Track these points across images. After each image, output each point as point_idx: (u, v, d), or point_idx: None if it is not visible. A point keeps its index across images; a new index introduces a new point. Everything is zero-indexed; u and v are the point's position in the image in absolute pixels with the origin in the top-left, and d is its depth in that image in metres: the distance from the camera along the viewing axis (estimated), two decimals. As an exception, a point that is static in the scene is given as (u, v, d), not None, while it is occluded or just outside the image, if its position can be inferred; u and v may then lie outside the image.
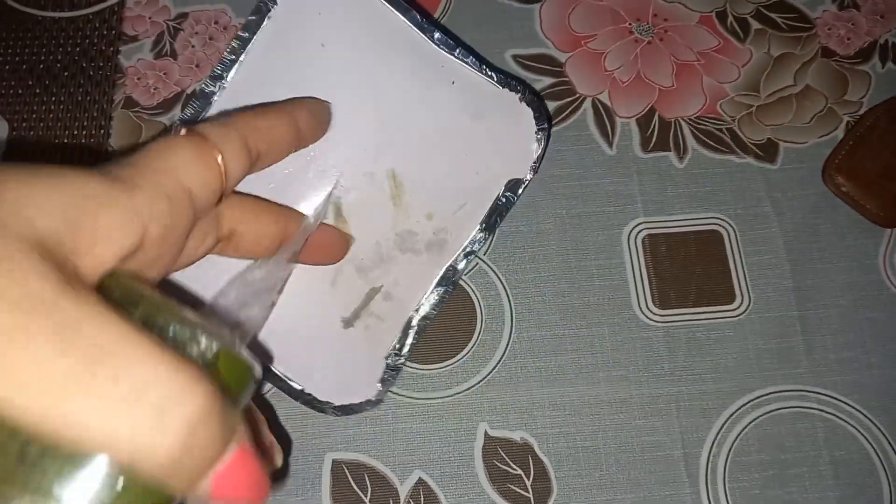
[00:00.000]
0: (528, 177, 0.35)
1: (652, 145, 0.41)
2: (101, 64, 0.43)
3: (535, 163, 0.35)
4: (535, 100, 0.34)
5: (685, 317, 0.38)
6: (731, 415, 0.37)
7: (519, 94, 0.34)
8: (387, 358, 0.35)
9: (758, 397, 0.37)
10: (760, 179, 0.41)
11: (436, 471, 0.36)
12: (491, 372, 0.37)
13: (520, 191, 0.35)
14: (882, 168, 0.40)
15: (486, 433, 0.36)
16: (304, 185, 0.35)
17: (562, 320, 0.38)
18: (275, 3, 0.32)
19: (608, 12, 0.44)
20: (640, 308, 0.39)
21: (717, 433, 0.37)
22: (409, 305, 0.35)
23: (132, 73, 0.43)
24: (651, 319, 0.38)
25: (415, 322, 0.35)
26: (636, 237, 0.40)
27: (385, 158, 0.36)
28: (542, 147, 0.35)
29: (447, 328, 0.38)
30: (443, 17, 0.44)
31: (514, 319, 0.39)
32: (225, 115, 0.31)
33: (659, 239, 0.40)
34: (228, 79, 0.33)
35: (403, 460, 0.36)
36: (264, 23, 0.33)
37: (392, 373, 0.35)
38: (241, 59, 0.33)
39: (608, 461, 0.36)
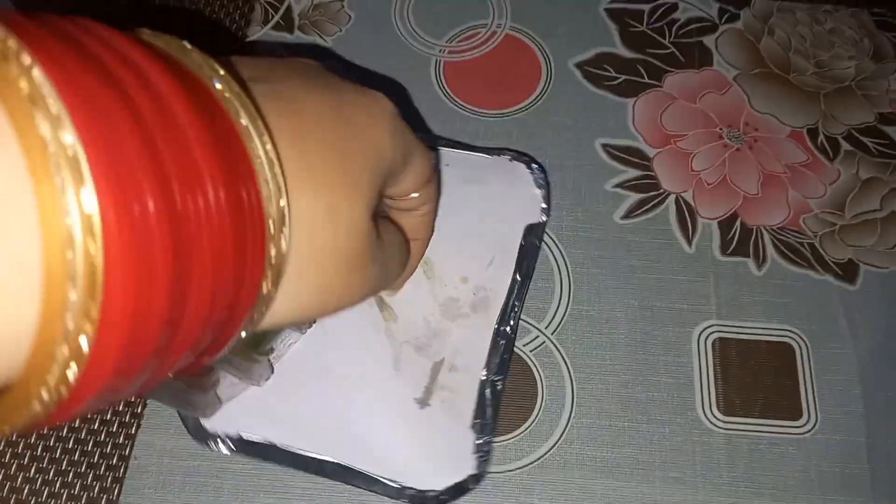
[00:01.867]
0: (542, 219, 0.40)
1: (732, 249, 0.42)
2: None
3: (543, 205, 0.40)
4: (524, 156, 0.40)
5: (749, 426, 0.38)
6: (787, 536, 0.36)
7: (508, 156, 0.41)
8: (473, 428, 0.35)
9: (816, 521, 0.36)
10: (838, 298, 0.41)
11: (480, 546, 0.36)
12: (546, 454, 0.37)
13: (541, 234, 0.40)
14: (965, 305, 0.40)
15: (535, 516, 0.36)
16: None
17: (623, 412, 0.38)
18: None
19: (701, 115, 0.45)
20: (704, 411, 0.38)
21: (771, 553, 0.36)
22: (476, 370, 0.36)
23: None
24: (714, 424, 0.38)
25: (487, 385, 0.36)
26: (707, 339, 0.40)
27: None
28: (543, 191, 0.40)
29: (508, 402, 0.38)
30: (538, 101, 0.46)
31: (574, 404, 0.39)
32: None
33: (730, 343, 0.40)
34: None
35: (449, 531, 0.36)
36: None
37: (484, 441, 0.35)
38: None
39: (656, 565, 0.35)
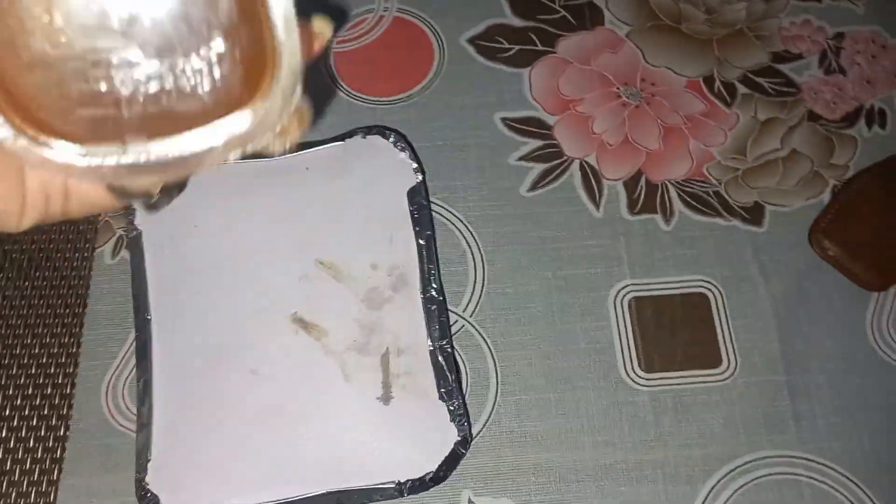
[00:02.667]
0: (418, 178, 0.40)
1: (639, 207, 0.42)
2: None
3: (413, 165, 0.40)
4: (374, 128, 0.40)
5: (671, 381, 0.38)
6: (718, 481, 0.37)
7: (361, 134, 0.40)
8: (442, 398, 0.36)
9: (745, 463, 0.37)
10: (747, 242, 0.41)
11: (418, 537, 0.36)
12: (475, 437, 0.37)
13: (423, 193, 0.39)
14: (868, 232, 0.40)
15: (469, 500, 0.36)
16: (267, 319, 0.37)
17: (547, 384, 0.38)
18: (136, 229, 0.39)
19: (597, 76, 0.45)
20: (627, 371, 0.39)
21: (704, 501, 0.36)
22: (421, 344, 0.37)
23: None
24: (637, 383, 0.38)
25: (438, 353, 0.36)
26: (622, 300, 0.40)
27: (304, 257, 0.38)
28: (407, 152, 0.40)
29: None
30: (434, 82, 0.45)
31: (499, 382, 0.39)
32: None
33: (645, 301, 0.40)
34: (151, 311, 0.37)
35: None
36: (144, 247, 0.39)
37: (457, 406, 0.36)
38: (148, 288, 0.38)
39: (592, 529, 0.36)
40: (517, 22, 0.46)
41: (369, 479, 0.34)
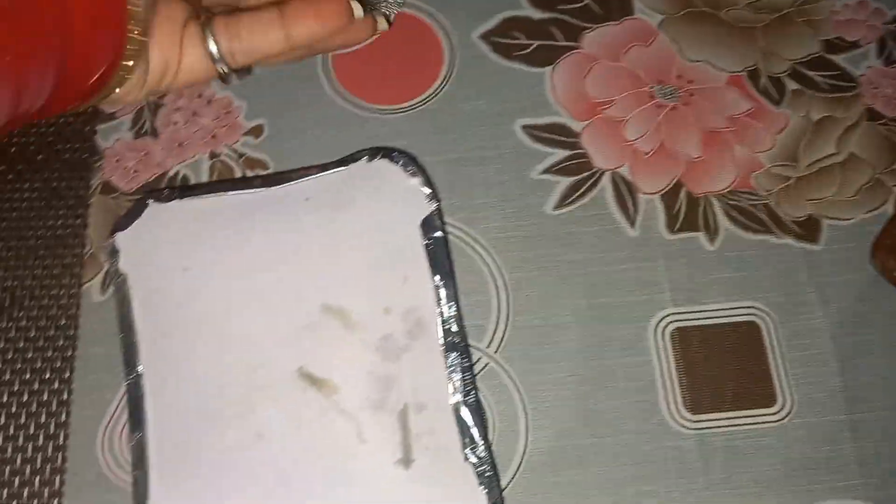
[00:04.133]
0: (433, 206, 0.35)
1: (679, 225, 0.37)
2: (78, 146, 0.40)
3: (426, 191, 0.35)
4: (380, 150, 0.36)
5: (720, 422, 0.35)
6: (776, 533, 0.33)
7: (365, 157, 0.36)
8: (467, 459, 0.32)
9: (804, 512, 0.33)
10: (802, 262, 0.37)
11: None
12: (504, 489, 0.34)
13: (439, 224, 0.35)
14: (939, 249, 0.36)
15: (501, 565, 0.33)
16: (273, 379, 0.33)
17: (584, 427, 0.35)
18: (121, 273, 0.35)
19: (627, 74, 0.40)
20: (671, 413, 0.35)
21: (760, 556, 0.33)
22: (443, 397, 0.33)
23: (110, 154, 0.40)
24: (683, 426, 0.35)
25: (461, 406, 0.33)
26: (664, 330, 0.36)
27: (308, 302, 0.34)
28: (419, 177, 0.36)
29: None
30: (444, 87, 0.40)
31: (529, 428, 0.35)
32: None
33: (690, 332, 0.36)
34: (141, 364, 0.34)
35: None
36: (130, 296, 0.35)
37: (483, 467, 0.32)
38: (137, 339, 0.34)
39: None
40: (536, 14, 0.41)
41: None
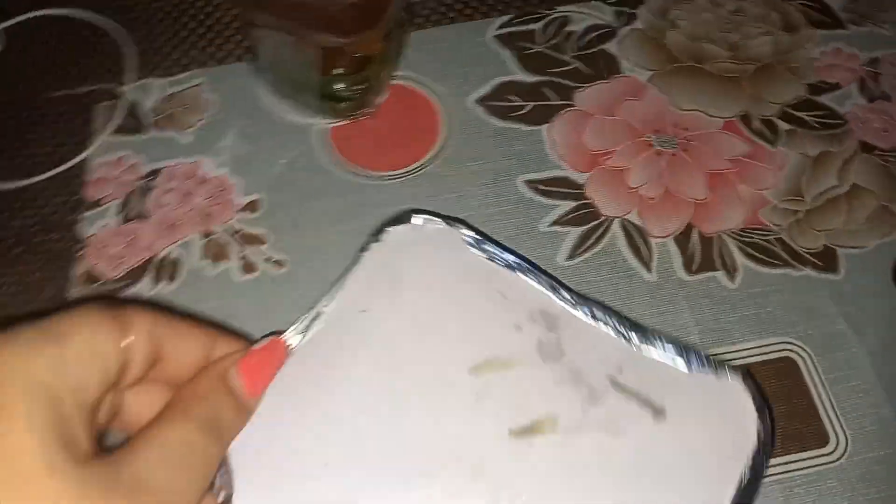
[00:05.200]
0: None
1: (696, 266, 0.36)
2: (59, 236, 0.38)
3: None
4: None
5: (774, 469, 0.32)
6: (855, 590, 0.30)
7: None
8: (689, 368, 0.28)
9: (880, 562, 0.30)
10: (826, 293, 0.36)
11: None
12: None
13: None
14: (962, 268, 0.35)
15: None
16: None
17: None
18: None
19: (623, 126, 0.40)
20: (719, 462, 0.32)
21: None
22: (622, 347, 0.29)
23: (94, 243, 0.38)
24: (734, 476, 0.32)
25: (643, 345, 0.29)
26: (698, 375, 0.34)
27: (457, 376, 0.29)
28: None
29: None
30: (446, 149, 0.40)
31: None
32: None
33: (725, 374, 0.34)
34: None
35: None
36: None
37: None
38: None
39: None
40: (527, 77, 0.42)
41: None
